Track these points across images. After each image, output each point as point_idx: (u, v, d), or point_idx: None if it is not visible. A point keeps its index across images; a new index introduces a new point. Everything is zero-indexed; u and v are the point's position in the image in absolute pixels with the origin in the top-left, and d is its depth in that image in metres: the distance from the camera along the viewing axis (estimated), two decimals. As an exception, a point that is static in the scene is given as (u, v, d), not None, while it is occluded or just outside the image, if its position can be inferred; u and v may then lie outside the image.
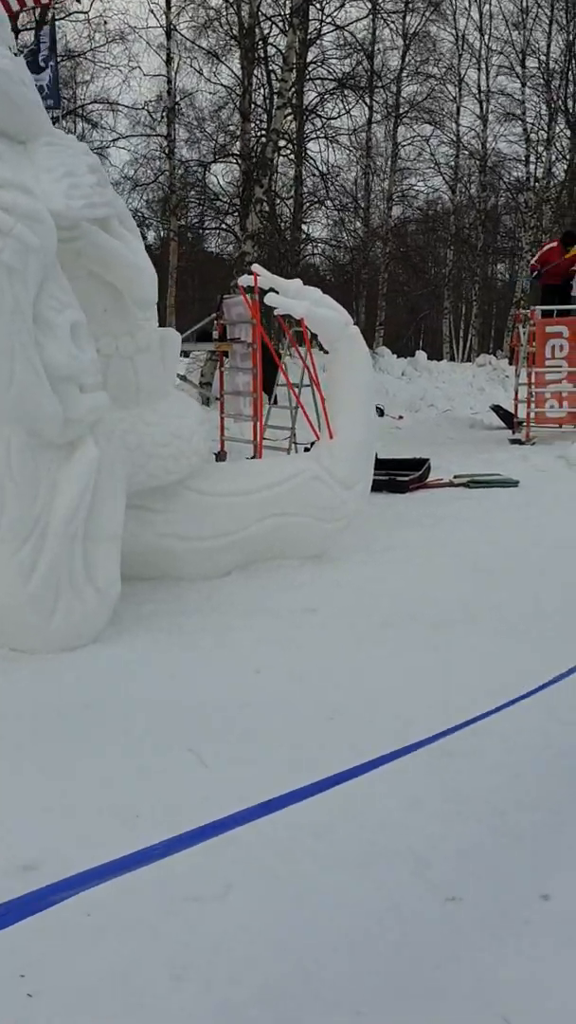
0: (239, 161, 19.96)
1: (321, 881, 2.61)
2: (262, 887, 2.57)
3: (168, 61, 20.35)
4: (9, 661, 4.33)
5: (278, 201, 22.87)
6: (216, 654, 4.48)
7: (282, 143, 20.43)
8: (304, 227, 23.73)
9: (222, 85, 21.17)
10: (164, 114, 20.67)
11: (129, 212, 5.80)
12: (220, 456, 10.75)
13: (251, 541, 5.74)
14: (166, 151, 20.62)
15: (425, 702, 3.83)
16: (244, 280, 6.17)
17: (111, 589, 4.64)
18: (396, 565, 6.19)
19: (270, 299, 5.80)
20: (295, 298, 5.92)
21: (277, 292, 6.02)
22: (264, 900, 2.54)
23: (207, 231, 22.96)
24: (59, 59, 18.58)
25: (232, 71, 20.79)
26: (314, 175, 22.71)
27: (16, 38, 11.18)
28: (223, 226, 21.57)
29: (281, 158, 21.94)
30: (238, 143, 20.44)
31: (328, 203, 23.14)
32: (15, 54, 10.28)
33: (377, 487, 9.51)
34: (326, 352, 6.32)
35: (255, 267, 6.23)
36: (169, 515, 5.47)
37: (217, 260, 25.23)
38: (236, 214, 19.67)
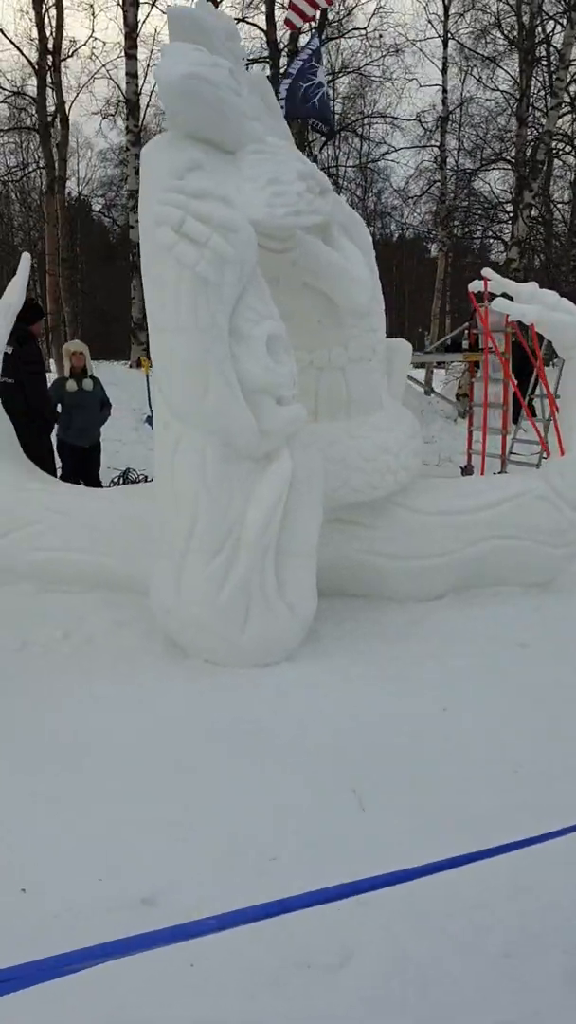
0: (513, 166, 19.26)
1: (453, 968, 2.27)
2: (387, 962, 2.28)
3: (444, 70, 20.08)
4: (198, 673, 4.31)
5: (557, 206, 21.90)
6: (406, 686, 4.18)
7: (559, 145, 19.53)
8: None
9: (499, 91, 20.58)
10: (438, 123, 20.42)
11: (359, 219, 5.65)
12: (467, 471, 10.35)
13: (466, 564, 5.36)
14: (439, 161, 20.35)
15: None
16: (474, 286, 5.81)
17: (304, 606, 4.49)
18: None
19: (497, 304, 5.39)
20: (528, 303, 5.47)
21: (510, 297, 5.61)
22: (387, 977, 2.26)
23: (476, 239, 22.34)
24: (334, 75, 18.98)
25: (510, 74, 20.14)
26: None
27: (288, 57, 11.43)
28: (489, 234, 20.92)
29: (560, 162, 21.01)
30: (513, 149, 19.73)
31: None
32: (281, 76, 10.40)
33: None
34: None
35: (485, 271, 5.84)
36: (377, 531, 5.24)
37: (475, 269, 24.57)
38: (508, 221, 19.01)
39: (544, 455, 8.90)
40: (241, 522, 4.24)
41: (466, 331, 11.69)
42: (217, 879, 2.61)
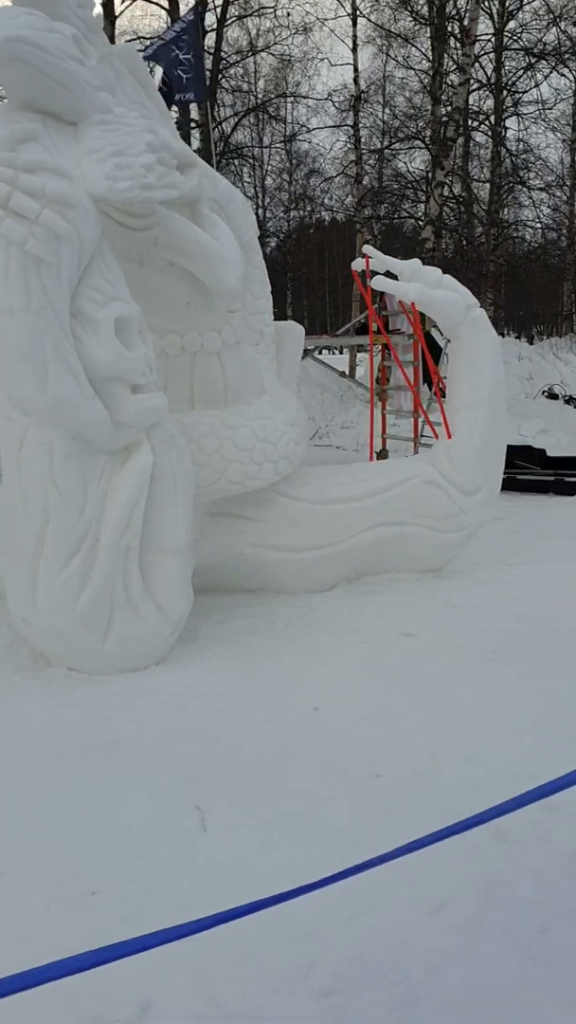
0: (426, 145, 19.13)
1: (266, 1012, 2.05)
2: (188, 1013, 2.05)
3: (354, 49, 19.82)
4: (60, 684, 4.04)
5: (475, 182, 21.83)
6: (280, 685, 3.97)
7: (473, 123, 19.45)
8: (504, 211, 22.47)
9: (412, 69, 20.40)
10: (351, 103, 20.17)
11: (240, 198, 5.39)
12: (382, 455, 10.20)
13: (354, 553, 5.17)
14: (353, 141, 20.12)
15: (506, 764, 3.14)
16: (356, 264, 5.59)
17: (175, 606, 4.24)
18: (529, 584, 5.40)
19: (376, 282, 5.19)
20: (411, 280, 5.27)
21: (393, 275, 5.41)
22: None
23: (393, 219, 22.12)
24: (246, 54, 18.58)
25: (422, 52, 19.96)
26: (512, 155, 21.39)
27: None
28: (405, 214, 20.76)
29: (476, 142, 20.95)
30: (428, 128, 19.59)
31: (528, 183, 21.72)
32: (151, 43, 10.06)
33: (543, 488, 8.64)
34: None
35: (366, 248, 5.62)
36: (262, 523, 5.02)
37: (406, 251, 24.48)
38: (423, 201, 18.89)
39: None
40: (98, 521, 3.97)
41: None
42: (29, 918, 2.35)
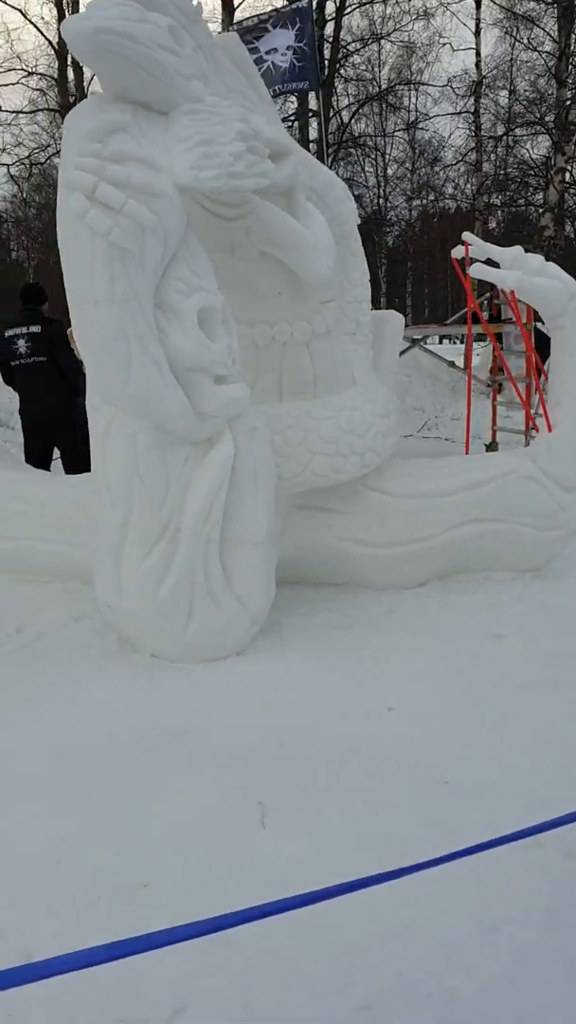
0: (547, 130, 18.49)
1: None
2: (221, 1018, 2.01)
3: (477, 32, 19.33)
4: (142, 670, 4.08)
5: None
6: (359, 682, 3.89)
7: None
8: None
9: (537, 51, 19.73)
10: (472, 89, 19.70)
11: (339, 186, 5.30)
12: (491, 447, 9.95)
13: (445, 550, 5.02)
14: (473, 128, 19.65)
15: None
16: (456, 252, 5.41)
17: (256, 598, 4.21)
18: (632, 586, 5.13)
19: (474, 270, 5.00)
20: (510, 268, 5.07)
21: (496, 264, 5.21)
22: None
23: (508, 208, 21.50)
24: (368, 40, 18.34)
25: (547, 33, 19.27)
26: None
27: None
28: (522, 202, 20.13)
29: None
30: (551, 113, 18.94)
31: None
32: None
33: None
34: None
35: (465, 235, 5.43)
36: (348, 517, 4.93)
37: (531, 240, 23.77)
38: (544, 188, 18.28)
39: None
40: (180, 512, 3.98)
41: (487, 302, 11.19)
42: (77, 909, 2.37)
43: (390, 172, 27.21)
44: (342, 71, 19.12)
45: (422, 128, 24.06)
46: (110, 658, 4.22)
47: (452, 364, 12.19)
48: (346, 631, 4.54)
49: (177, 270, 3.84)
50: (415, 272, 32.41)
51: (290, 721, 3.50)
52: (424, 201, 28.47)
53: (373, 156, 24.82)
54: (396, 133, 23.26)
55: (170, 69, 3.92)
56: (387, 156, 26.82)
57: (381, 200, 27.39)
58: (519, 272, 4.92)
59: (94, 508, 4.17)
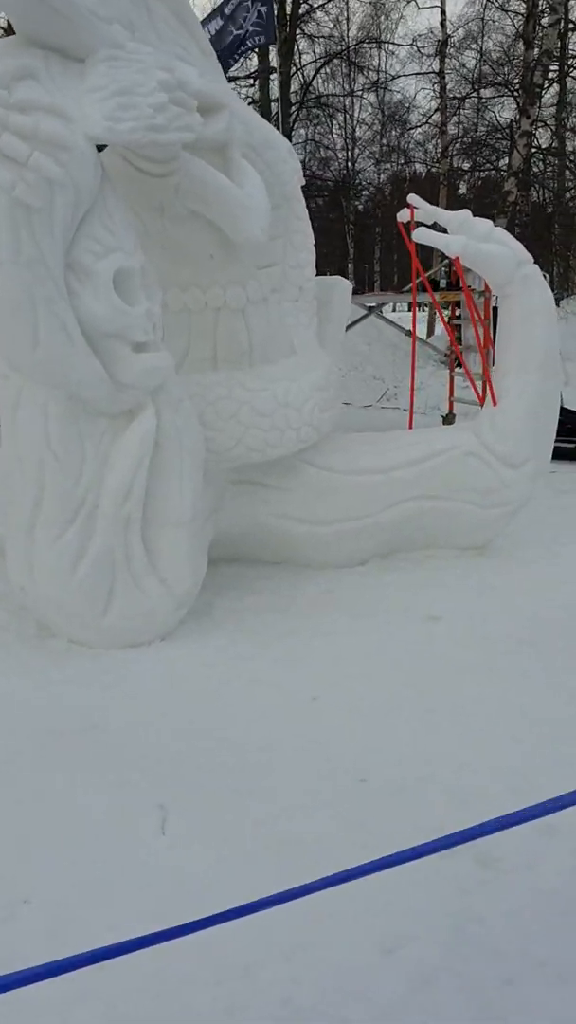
0: (512, 92, 18.15)
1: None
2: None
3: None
4: (58, 657, 3.87)
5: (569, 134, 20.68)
6: (283, 669, 3.71)
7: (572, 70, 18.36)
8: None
9: (506, 11, 19.30)
10: (437, 49, 19.25)
11: (282, 145, 5.03)
12: (448, 419, 9.77)
13: (385, 528, 4.84)
14: (437, 89, 19.24)
15: (509, 776, 2.83)
16: (402, 215, 5.17)
17: (181, 582, 4.00)
18: (576, 566, 4.99)
19: (417, 234, 4.78)
20: (457, 232, 4.85)
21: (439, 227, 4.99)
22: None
23: (473, 173, 21.16)
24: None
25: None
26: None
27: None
28: (488, 166, 19.80)
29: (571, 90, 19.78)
30: (517, 74, 18.57)
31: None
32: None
33: None
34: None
35: (411, 197, 5.19)
36: (286, 493, 4.73)
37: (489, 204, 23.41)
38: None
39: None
40: (97, 489, 3.75)
41: (446, 269, 10.96)
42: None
43: (358, 134, 26.70)
44: (305, 27, 18.60)
45: (391, 90, 23.59)
46: (25, 643, 4.00)
47: (408, 333, 11.97)
48: (280, 613, 4.35)
49: (91, 229, 3.57)
50: (384, 239, 31.96)
51: (207, 714, 3.31)
52: (395, 165, 27.99)
53: (340, 118, 24.28)
54: (362, 94, 22.76)
55: (84, 9, 3.63)
56: (355, 118, 26.29)
57: (349, 164, 26.88)
58: (464, 237, 4.69)
59: (9, 481, 3.93)
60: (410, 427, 5.51)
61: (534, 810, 1.93)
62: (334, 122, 25.39)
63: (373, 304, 11.52)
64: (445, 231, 5.07)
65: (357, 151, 27.00)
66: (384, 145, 26.66)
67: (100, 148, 4.42)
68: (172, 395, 3.88)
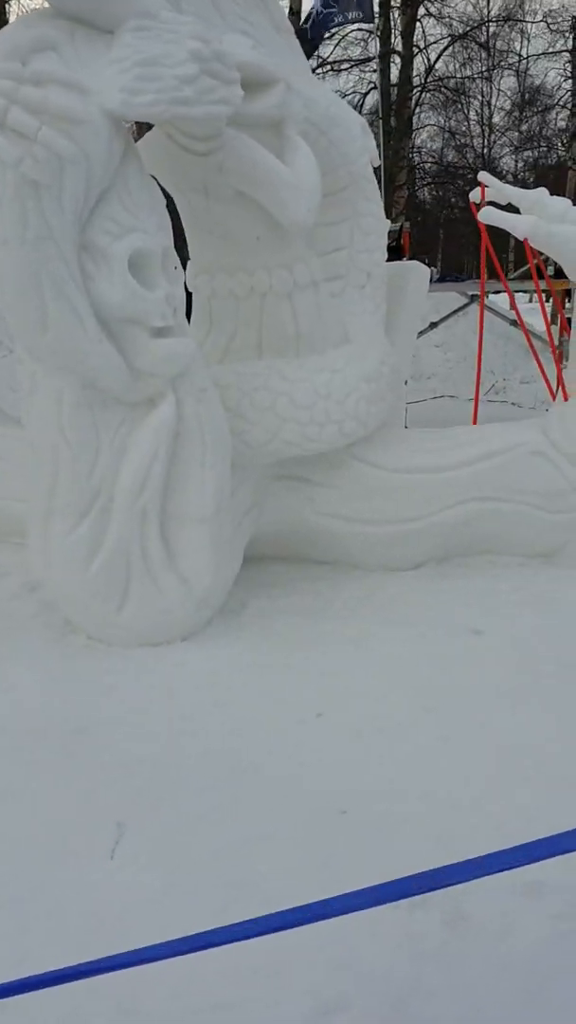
0: None
1: None
2: None
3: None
4: (71, 653, 3.74)
5: None
6: (297, 679, 3.46)
7: None
8: None
9: None
10: (573, 24, 18.29)
11: (353, 123, 4.75)
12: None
13: (441, 531, 4.49)
14: (569, 68, 18.28)
15: (505, 818, 2.51)
16: (473, 195, 4.79)
17: (202, 580, 3.80)
18: None
19: (484, 214, 4.40)
20: (529, 212, 4.44)
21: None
22: None
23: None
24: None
25: None
26: None
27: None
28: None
29: None
30: None
31: None
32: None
33: None
34: None
35: (482, 175, 4.79)
36: (332, 490, 4.46)
37: None
38: None
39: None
40: (112, 480, 3.59)
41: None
42: None
43: (495, 120, 25.81)
44: (430, 6, 18.01)
45: (531, 75, 22.60)
46: (46, 637, 3.88)
47: (513, 323, 11.40)
48: (312, 617, 4.10)
49: (108, 208, 3.39)
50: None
51: (199, 726, 3.10)
52: (536, 152, 26.92)
53: (469, 102, 23.53)
54: (493, 76, 21.91)
55: (112, -22, 3.45)
56: (493, 104, 25.41)
57: (486, 151, 26.07)
58: (534, 217, 4.30)
59: (28, 467, 3.82)
60: (474, 422, 5.14)
61: (515, 857, 1.66)
62: (470, 108, 24.68)
63: (474, 293, 11.02)
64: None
65: (493, 138, 26.19)
66: (522, 132, 25.73)
67: (147, 126, 4.27)
68: (195, 383, 3.68)
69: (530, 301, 13.86)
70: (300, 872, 2.30)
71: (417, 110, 19.60)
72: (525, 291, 12.07)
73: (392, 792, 2.66)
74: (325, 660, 3.63)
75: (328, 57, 16.31)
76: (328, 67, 17.13)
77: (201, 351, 3.90)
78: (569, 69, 18.62)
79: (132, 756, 2.88)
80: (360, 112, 20.00)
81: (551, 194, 4.58)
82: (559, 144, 24.51)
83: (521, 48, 22.52)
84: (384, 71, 16.66)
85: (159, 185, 3.88)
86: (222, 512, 3.84)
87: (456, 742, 2.95)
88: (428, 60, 18.97)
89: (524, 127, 25.53)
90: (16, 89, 3.18)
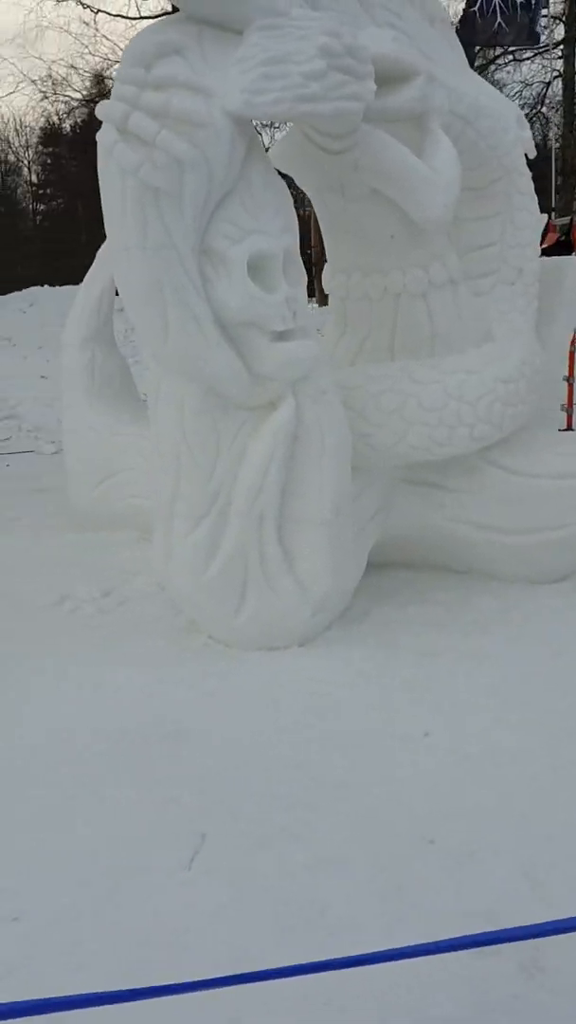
0: None
1: None
2: None
3: None
4: (195, 655, 3.74)
5: None
6: (411, 695, 3.32)
7: None
8: None
9: None
10: None
11: (503, 109, 4.55)
12: None
13: (585, 542, 4.21)
14: None
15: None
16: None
17: (319, 585, 3.72)
18: None
19: None
20: None
21: None
22: None
23: None
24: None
25: None
26: None
27: None
28: None
29: None
30: None
31: None
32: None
33: None
34: None
35: None
36: (464, 496, 4.27)
37: None
38: None
39: None
40: (231, 484, 3.59)
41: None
42: None
43: None
44: None
45: None
46: (168, 637, 3.91)
47: None
48: (439, 629, 3.93)
49: (229, 211, 3.38)
50: None
51: (300, 736, 3.03)
52: None
53: None
54: None
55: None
56: None
57: None
58: None
59: (155, 471, 3.88)
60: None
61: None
62: None
63: None
64: None
65: None
66: None
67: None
68: (316, 386, 3.60)
69: None
70: (369, 900, 2.19)
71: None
72: None
73: (485, 820, 2.50)
74: (442, 675, 3.48)
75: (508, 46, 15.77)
76: (511, 56, 16.59)
77: (325, 353, 3.83)
78: None
79: (220, 765, 2.85)
80: (543, 102, 19.25)
81: None
82: None
83: None
84: (568, 57, 15.95)
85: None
86: (342, 515, 3.75)
87: (565, 772, 2.74)
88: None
89: None
90: (138, 94, 3.22)
